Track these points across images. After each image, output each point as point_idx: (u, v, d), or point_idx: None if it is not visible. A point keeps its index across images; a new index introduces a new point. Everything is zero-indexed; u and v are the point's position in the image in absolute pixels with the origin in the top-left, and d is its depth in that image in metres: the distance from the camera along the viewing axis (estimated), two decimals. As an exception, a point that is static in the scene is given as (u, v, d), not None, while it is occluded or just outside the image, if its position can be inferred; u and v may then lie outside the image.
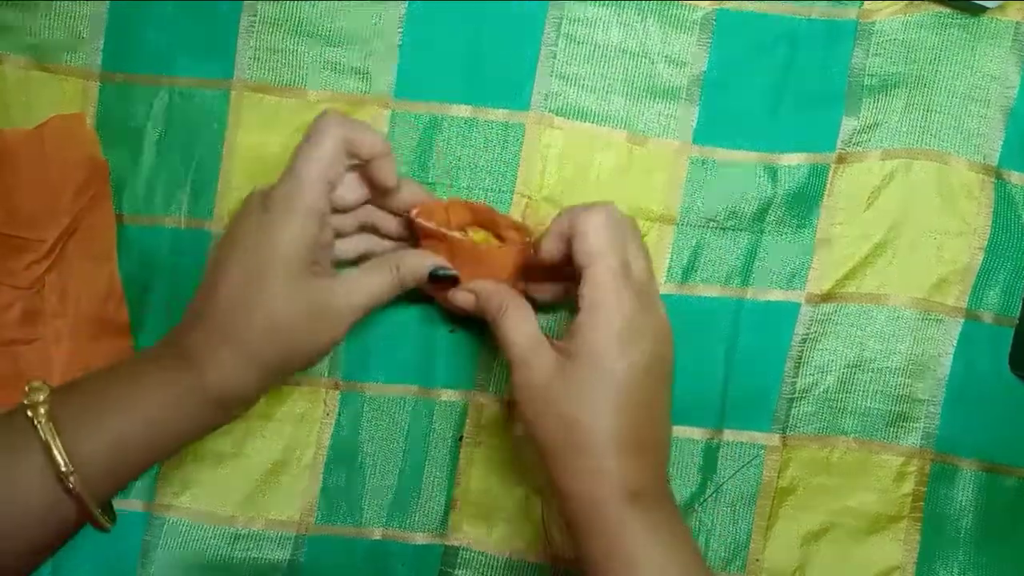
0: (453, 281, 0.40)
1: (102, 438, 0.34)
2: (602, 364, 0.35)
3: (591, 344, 0.35)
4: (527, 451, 0.45)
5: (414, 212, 0.41)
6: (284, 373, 0.38)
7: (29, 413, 0.33)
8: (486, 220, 0.42)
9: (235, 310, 0.36)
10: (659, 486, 0.37)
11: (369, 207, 0.42)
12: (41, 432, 0.33)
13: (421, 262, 0.40)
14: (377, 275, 0.39)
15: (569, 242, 0.37)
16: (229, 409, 0.37)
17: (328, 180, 0.37)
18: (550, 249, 0.38)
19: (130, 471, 0.36)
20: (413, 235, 0.42)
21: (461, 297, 0.40)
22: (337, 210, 0.40)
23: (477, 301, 0.40)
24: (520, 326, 0.37)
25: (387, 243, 0.43)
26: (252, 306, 0.36)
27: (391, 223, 0.42)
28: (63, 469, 0.33)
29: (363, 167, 0.39)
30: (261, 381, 0.37)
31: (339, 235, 0.41)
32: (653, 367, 0.36)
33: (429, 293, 0.42)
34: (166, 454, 0.38)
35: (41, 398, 0.34)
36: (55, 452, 0.33)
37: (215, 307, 0.36)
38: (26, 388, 0.34)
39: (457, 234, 0.40)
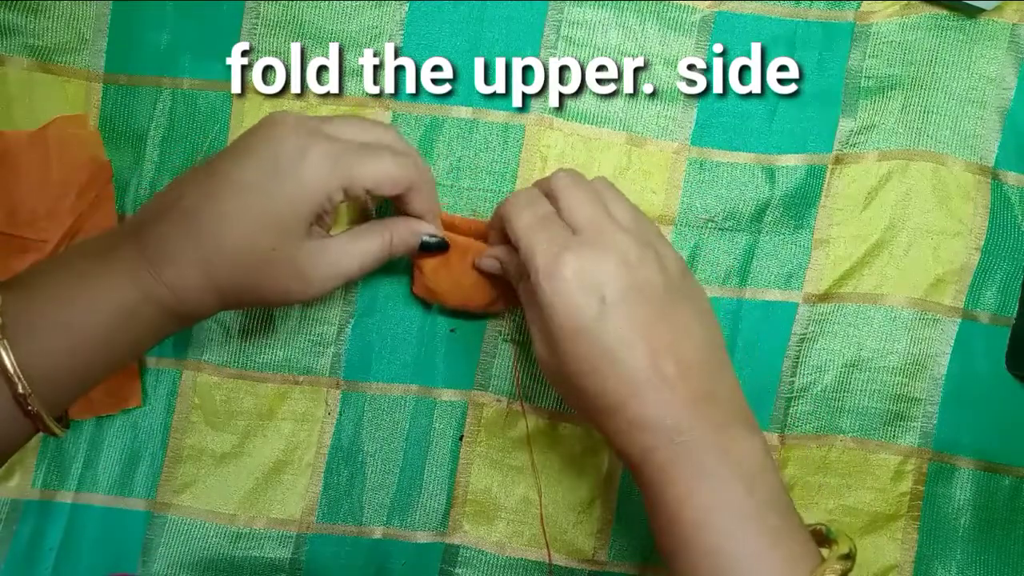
0: (442, 248, 0.41)
1: (59, 355, 0.33)
2: (563, 331, 0.34)
3: (544, 319, 0.35)
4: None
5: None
6: (246, 306, 0.41)
7: None
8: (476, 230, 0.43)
9: (218, 245, 0.35)
10: (707, 411, 0.33)
11: None
12: None
13: (413, 229, 0.40)
14: (366, 242, 0.39)
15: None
16: (182, 323, 0.37)
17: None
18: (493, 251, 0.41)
19: (85, 380, 0.35)
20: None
21: (487, 263, 0.41)
22: None
23: (503, 266, 0.40)
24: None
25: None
26: (234, 248, 0.35)
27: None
28: (20, 391, 0.32)
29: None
30: (221, 307, 0.37)
31: None
32: (620, 302, 0.34)
33: (416, 261, 0.42)
34: (121, 364, 0.37)
35: None
36: (12, 373, 0.32)
37: (196, 230, 0.35)
38: None
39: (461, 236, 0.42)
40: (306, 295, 0.37)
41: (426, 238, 0.40)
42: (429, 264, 0.42)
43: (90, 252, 0.35)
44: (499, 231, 0.40)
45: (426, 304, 0.45)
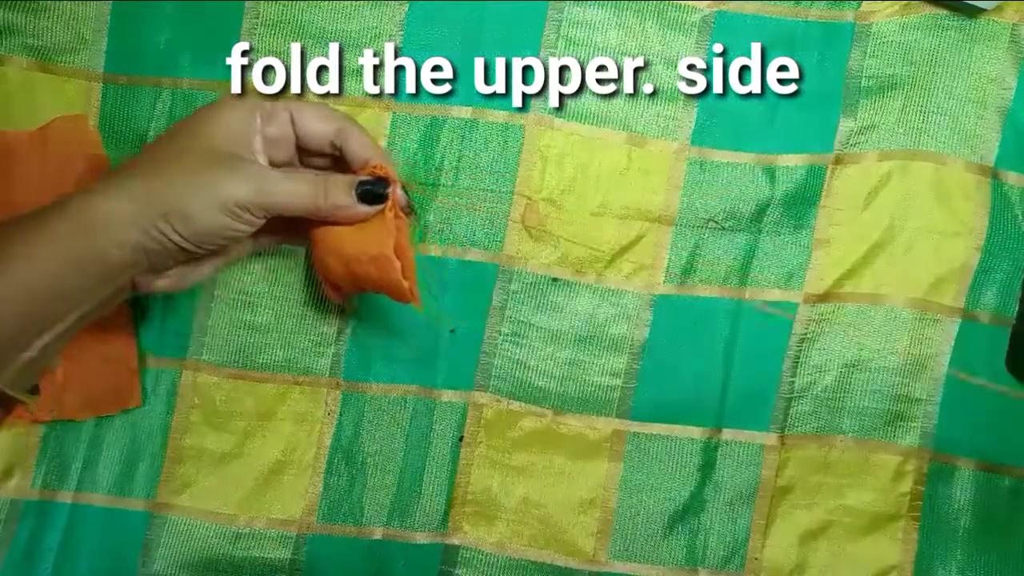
0: (384, 192, 0.38)
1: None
2: None
3: None
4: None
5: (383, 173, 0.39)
6: (176, 248, 0.36)
7: None
8: None
9: (144, 162, 0.36)
10: None
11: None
12: None
13: (349, 180, 0.38)
14: (296, 183, 0.37)
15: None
16: (111, 271, 0.35)
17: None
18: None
19: (33, 338, 0.34)
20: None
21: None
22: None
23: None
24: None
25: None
26: (156, 163, 0.36)
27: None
28: None
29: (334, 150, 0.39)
30: (148, 227, 0.34)
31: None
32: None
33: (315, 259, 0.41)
34: (68, 325, 0.36)
35: None
36: None
37: (130, 164, 0.36)
38: None
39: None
40: (221, 221, 0.35)
41: (364, 187, 0.38)
42: (317, 253, 0.40)
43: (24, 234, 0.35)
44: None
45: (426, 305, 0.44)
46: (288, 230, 0.41)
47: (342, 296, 0.43)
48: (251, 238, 0.40)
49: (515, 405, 0.45)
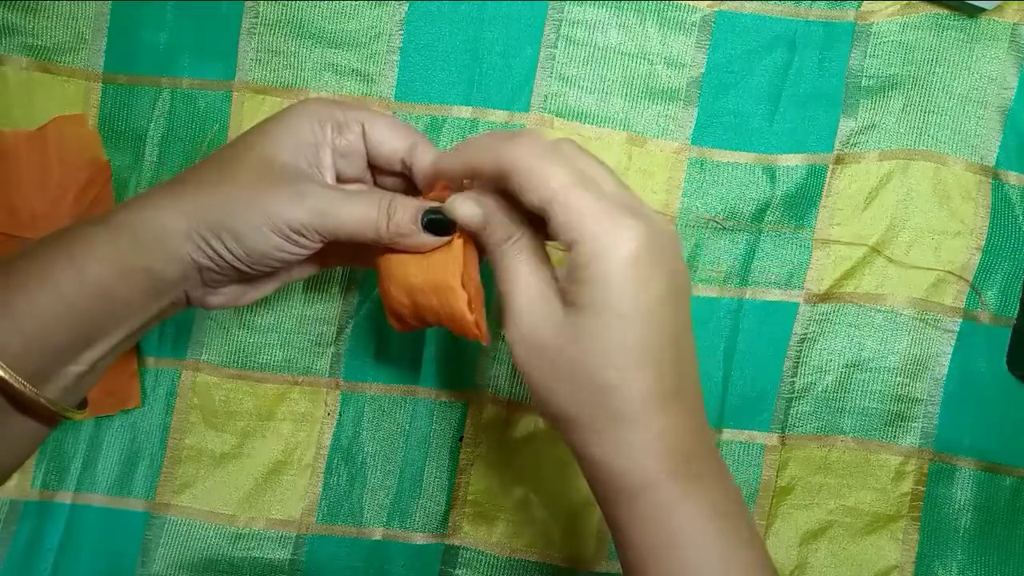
0: (447, 229, 0.34)
1: (42, 319, 0.32)
2: (618, 309, 0.29)
3: (600, 286, 0.29)
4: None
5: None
6: (222, 260, 0.33)
7: None
8: None
9: (198, 180, 0.34)
10: (705, 439, 0.31)
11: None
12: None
13: (416, 205, 0.34)
14: (361, 207, 0.34)
15: (495, 183, 0.32)
16: (166, 286, 0.34)
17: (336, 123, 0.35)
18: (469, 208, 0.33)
19: (73, 349, 0.33)
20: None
21: (466, 208, 0.33)
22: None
23: (484, 219, 0.33)
24: (527, 267, 0.32)
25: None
26: (211, 181, 0.33)
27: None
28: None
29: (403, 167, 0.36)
30: (195, 251, 0.33)
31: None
32: (669, 293, 0.30)
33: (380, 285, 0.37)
34: (118, 338, 0.34)
35: None
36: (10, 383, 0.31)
37: (181, 177, 0.34)
38: None
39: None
40: (274, 242, 0.33)
41: (431, 217, 0.34)
42: (381, 281, 0.37)
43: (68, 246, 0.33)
44: (489, 184, 0.33)
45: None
46: (356, 254, 0.38)
47: (406, 328, 0.38)
48: (316, 261, 0.38)
49: (515, 405, 0.45)
